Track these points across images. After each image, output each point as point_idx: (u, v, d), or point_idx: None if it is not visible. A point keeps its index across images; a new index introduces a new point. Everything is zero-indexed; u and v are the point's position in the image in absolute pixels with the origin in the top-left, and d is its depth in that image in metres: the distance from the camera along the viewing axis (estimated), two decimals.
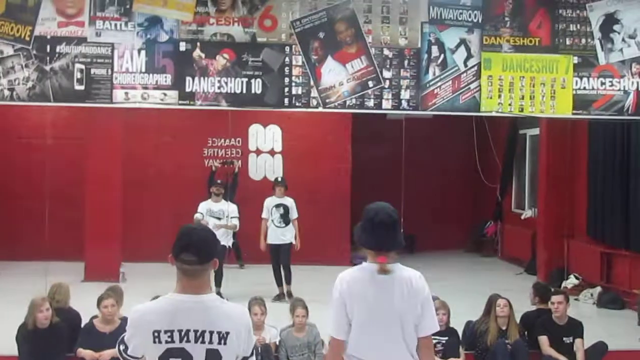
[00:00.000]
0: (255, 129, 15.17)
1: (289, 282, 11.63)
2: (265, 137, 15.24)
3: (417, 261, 15.49)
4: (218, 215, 11.41)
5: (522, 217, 15.31)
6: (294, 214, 11.59)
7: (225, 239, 11.29)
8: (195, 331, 3.47)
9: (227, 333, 3.49)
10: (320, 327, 8.25)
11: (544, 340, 8.10)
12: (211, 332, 3.47)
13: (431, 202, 17.00)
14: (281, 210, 11.56)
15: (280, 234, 11.56)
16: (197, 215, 11.27)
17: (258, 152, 15.26)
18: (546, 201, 13.73)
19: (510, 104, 8.23)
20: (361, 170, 15.49)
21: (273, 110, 8.64)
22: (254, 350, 3.65)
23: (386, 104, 8.17)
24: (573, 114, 8.36)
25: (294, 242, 11.57)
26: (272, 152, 15.29)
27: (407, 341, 4.09)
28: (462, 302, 8.71)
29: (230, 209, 11.50)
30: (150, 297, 4.38)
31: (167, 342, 3.45)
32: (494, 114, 8.30)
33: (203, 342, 3.46)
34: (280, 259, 11.58)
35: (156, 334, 3.46)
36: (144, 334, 3.49)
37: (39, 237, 13.29)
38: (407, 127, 14.84)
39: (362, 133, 15.22)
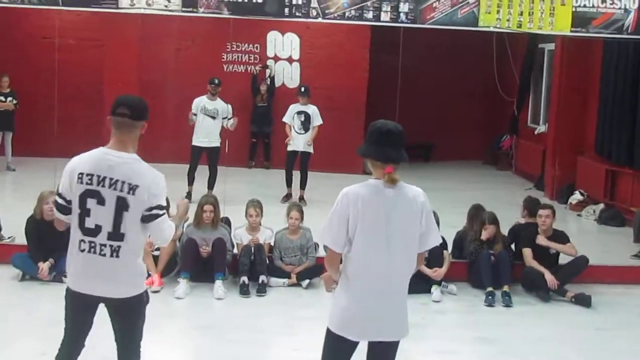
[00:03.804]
0: (273, 36, 15.28)
1: (303, 187, 12.02)
2: (284, 44, 15.36)
3: (432, 170, 15.96)
4: (212, 114, 11.57)
5: (536, 132, 15.35)
6: (316, 121, 11.93)
7: (217, 140, 11.65)
8: (111, 179, 4.24)
9: (137, 186, 4.24)
10: (316, 232, 8.64)
11: (527, 252, 8.37)
12: (123, 182, 4.23)
13: (449, 113, 17.13)
14: (302, 117, 11.93)
15: (299, 141, 11.95)
16: (191, 116, 11.57)
17: (276, 58, 15.38)
18: (557, 117, 13.77)
19: (508, 20, 8.28)
20: (379, 79, 15.57)
21: (273, 19, 8.79)
22: (162, 214, 4.34)
23: (385, 16, 8.29)
24: (571, 31, 8.39)
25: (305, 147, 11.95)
26: (290, 60, 15.43)
27: (409, 256, 4.19)
28: (466, 213, 9.01)
29: (222, 109, 11.64)
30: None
31: (87, 183, 4.26)
32: (491, 29, 8.38)
33: (115, 189, 4.23)
34: (299, 165, 12.03)
35: (80, 175, 4.26)
36: (71, 176, 4.29)
37: (57, 134, 13.81)
38: (426, 37, 14.88)
39: (381, 42, 15.25)
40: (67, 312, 4.48)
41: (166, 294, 7.76)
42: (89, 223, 4.26)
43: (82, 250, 4.29)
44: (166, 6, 8.28)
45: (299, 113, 11.94)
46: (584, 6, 8.33)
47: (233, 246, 8.39)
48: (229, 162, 11.65)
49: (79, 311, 4.44)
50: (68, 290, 4.43)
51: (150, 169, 4.35)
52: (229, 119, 11.63)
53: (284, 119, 12.10)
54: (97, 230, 4.25)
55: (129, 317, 4.46)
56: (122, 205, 4.23)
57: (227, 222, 8.69)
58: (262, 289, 7.91)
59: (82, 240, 4.28)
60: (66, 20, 14.55)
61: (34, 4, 8.32)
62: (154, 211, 4.31)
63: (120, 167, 4.25)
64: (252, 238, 8.24)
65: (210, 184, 11.57)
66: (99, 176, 4.23)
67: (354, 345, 4.26)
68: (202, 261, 8.01)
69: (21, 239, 8.40)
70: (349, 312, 4.19)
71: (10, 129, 13.67)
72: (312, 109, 11.97)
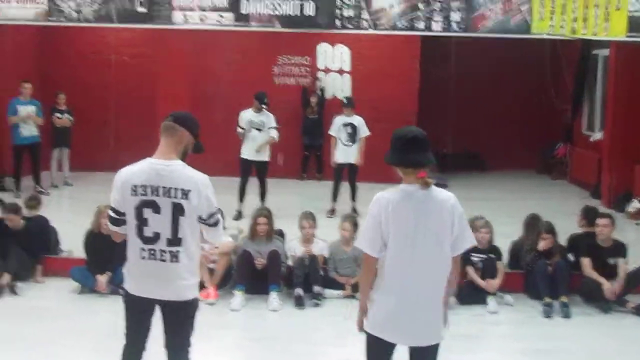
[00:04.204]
0: (323, 48, 15.37)
1: (354, 199, 11.96)
2: (334, 56, 15.43)
3: (485, 180, 15.82)
4: (258, 126, 11.39)
5: (591, 140, 15.11)
6: (362, 132, 11.78)
7: (266, 154, 11.54)
8: (164, 187, 4.43)
9: (189, 190, 4.44)
10: None
11: (586, 262, 8.22)
12: (176, 189, 4.43)
13: (502, 122, 17.02)
14: (349, 129, 11.79)
15: (347, 153, 11.81)
16: (239, 130, 11.44)
17: (327, 70, 15.47)
18: (613, 124, 13.53)
19: (562, 26, 8.20)
20: (430, 90, 15.55)
21: (325, 31, 8.83)
22: (218, 219, 4.59)
23: (436, 26, 8.28)
24: (627, 36, 8.27)
25: (357, 161, 11.79)
26: (340, 72, 15.48)
27: (442, 259, 4.26)
28: (521, 223, 8.93)
29: (268, 120, 11.43)
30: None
31: (141, 194, 4.44)
32: (544, 36, 8.31)
33: (169, 196, 4.43)
34: (348, 177, 11.90)
35: (134, 188, 4.45)
36: (123, 188, 4.47)
37: (112, 148, 14.04)
38: (478, 45, 14.84)
39: (432, 53, 15.21)
40: (126, 316, 4.68)
41: (222, 306, 7.80)
42: (148, 232, 4.46)
43: (143, 258, 4.49)
44: (219, 21, 8.40)
45: (345, 125, 11.79)
46: None
47: (287, 258, 8.41)
48: (281, 174, 11.65)
49: (138, 314, 4.65)
50: (128, 295, 4.64)
51: (196, 171, 4.54)
52: (269, 128, 11.39)
53: (331, 132, 11.96)
54: (155, 237, 4.46)
55: (184, 319, 4.63)
56: (178, 211, 4.43)
57: (281, 234, 8.72)
58: (316, 301, 7.92)
59: (142, 249, 4.49)
60: (120, 37, 14.87)
61: (90, 22, 8.48)
62: (216, 216, 4.58)
63: (170, 175, 4.44)
64: (306, 250, 8.26)
65: (262, 197, 11.49)
66: (152, 186, 4.43)
67: (391, 346, 4.34)
68: (257, 273, 8.04)
69: (79, 253, 8.56)
70: (382, 313, 4.29)
71: (67, 145, 13.94)
72: (357, 120, 11.82)
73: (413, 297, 4.22)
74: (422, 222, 4.18)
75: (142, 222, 4.46)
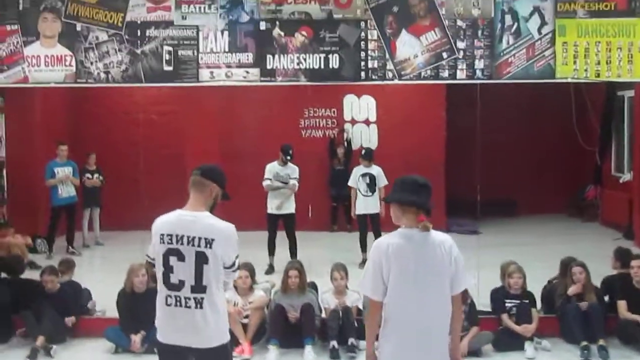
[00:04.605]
0: (350, 100, 15.47)
1: None
2: (360, 107, 15.53)
3: (517, 225, 15.71)
4: (284, 179, 11.44)
5: (621, 181, 15.01)
6: (381, 182, 11.75)
7: (292, 207, 11.55)
8: (188, 237, 4.60)
9: (213, 240, 4.59)
10: None
11: (622, 304, 8.13)
12: (200, 238, 4.58)
13: (530, 166, 16.95)
14: (367, 179, 11.80)
15: (367, 203, 11.79)
16: (266, 182, 11.47)
17: (353, 122, 15.56)
18: None
19: (585, 70, 8.23)
20: (457, 137, 15.53)
21: (350, 84, 8.91)
22: (237, 265, 4.77)
23: (461, 74, 8.34)
24: None
25: (379, 211, 11.72)
26: (367, 122, 15.57)
27: (444, 298, 4.41)
28: (554, 267, 8.86)
29: (293, 172, 11.50)
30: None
31: (168, 243, 4.62)
32: (569, 80, 8.32)
33: (193, 245, 4.59)
34: (372, 227, 11.82)
35: (162, 236, 4.64)
36: (155, 236, 4.68)
37: (142, 207, 14.07)
38: (502, 91, 14.84)
39: (457, 100, 15.21)
40: None
41: None
42: (173, 279, 4.62)
43: (169, 305, 4.64)
44: (245, 77, 8.50)
45: (363, 175, 11.82)
46: None
47: (321, 310, 8.39)
48: (311, 227, 11.58)
49: None
50: (158, 343, 4.75)
51: (222, 222, 4.69)
52: (290, 179, 11.45)
53: (350, 183, 12.01)
54: (180, 285, 4.60)
55: None
56: (201, 260, 4.58)
57: (313, 286, 8.71)
58: (351, 354, 7.85)
59: (169, 296, 4.64)
60: (147, 96, 15.06)
61: (118, 82, 8.62)
62: (235, 266, 4.77)
63: (195, 224, 4.60)
64: (339, 301, 8.23)
65: (292, 252, 11.42)
66: (177, 235, 4.59)
67: None
68: (290, 327, 8.02)
69: (112, 312, 8.58)
70: (388, 355, 4.40)
71: (98, 205, 14.11)
72: (376, 170, 11.83)
73: (417, 336, 4.34)
74: (422, 262, 4.34)
75: (168, 269, 4.62)
